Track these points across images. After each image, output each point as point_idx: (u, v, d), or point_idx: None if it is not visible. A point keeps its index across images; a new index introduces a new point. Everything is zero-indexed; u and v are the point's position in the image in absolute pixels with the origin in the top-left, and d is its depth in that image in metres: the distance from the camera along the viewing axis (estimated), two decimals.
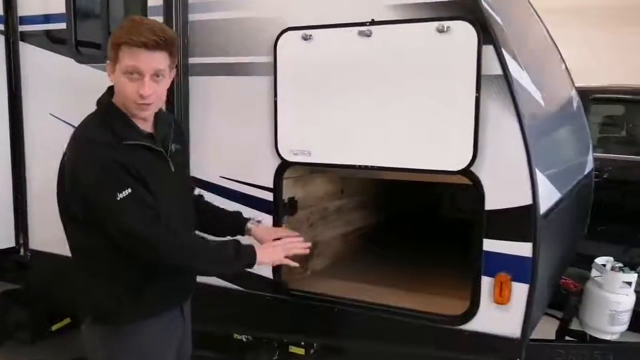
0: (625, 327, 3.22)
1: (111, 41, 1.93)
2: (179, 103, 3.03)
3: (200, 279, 2.29)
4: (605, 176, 5.19)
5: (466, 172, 2.46)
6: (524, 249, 2.40)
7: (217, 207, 2.45)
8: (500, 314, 2.46)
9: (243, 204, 2.97)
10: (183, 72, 3.03)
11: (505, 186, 2.42)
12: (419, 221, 5.01)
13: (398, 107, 2.57)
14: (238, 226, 2.39)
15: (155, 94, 1.93)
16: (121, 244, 1.90)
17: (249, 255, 2.05)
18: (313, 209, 3.51)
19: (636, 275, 3.15)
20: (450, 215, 5.65)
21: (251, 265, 2.07)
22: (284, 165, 2.87)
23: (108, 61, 1.96)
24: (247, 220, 2.42)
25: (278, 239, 2.27)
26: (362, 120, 2.64)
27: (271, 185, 2.91)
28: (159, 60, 1.91)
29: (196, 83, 3.05)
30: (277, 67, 2.79)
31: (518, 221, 2.40)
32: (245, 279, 2.98)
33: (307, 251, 2.30)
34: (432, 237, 4.67)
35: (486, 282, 2.48)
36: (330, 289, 3.11)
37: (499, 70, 2.38)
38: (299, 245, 2.23)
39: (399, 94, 2.56)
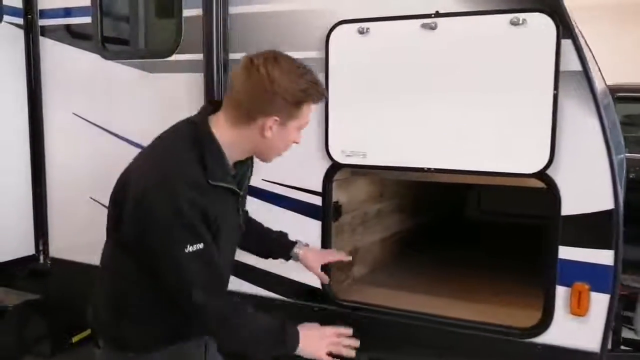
0: None
1: (292, 97, 1.72)
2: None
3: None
4: (631, 176, 5.04)
5: (542, 175, 2.30)
6: (604, 256, 2.24)
7: (263, 228, 2.32)
8: (577, 326, 2.30)
9: (288, 209, 2.80)
10: (224, 69, 2.85)
11: (584, 190, 2.26)
12: (445, 224, 4.87)
13: (467, 105, 2.40)
14: (285, 251, 2.30)
15: None
16: (172, 295, 1.73)
17: (293, 346, 1.83)
18: (355, 214, 3.34)
19: None
20: (474, 217, 5.53)
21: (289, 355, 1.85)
22: (335, 168, 2.70)
23: (275, 117, 1.74)
24: (294, 244, 2.30)
25: (326, 265, 2.24)
26: (425, 120, 2.47)
27: (320, 189, 2.73)
28: None
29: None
30: (329, 63, 2.61)
31: (598, 227, 2.24)
32: (289, 288, 2.81)
33: (355, 347, 1.97)
34: (462, 241, 4.53)
35: (562, 292, 2.32)
36: (380, 299, 2.94)
37: (578, 66, 2.22)
38: (346, 343, 1.93)
39: (468, 92, 2.39)
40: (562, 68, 2.22)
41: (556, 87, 2.23)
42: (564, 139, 2.26)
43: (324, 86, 1.93)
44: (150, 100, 3.18)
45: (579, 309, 2.27)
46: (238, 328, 1.75)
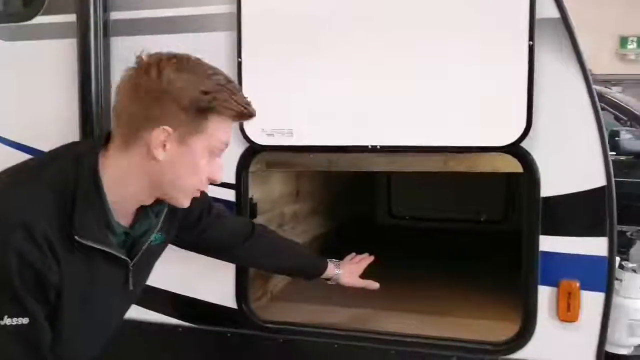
0: None
1: (189, 101, 1.29)
2: (97, 74, 2.15)
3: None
4: None
5: (515, 148, 1.84)
6: (596, 245, 1.81)
7: (282, 241, 2.15)
8: (566, 335, 1.85)
9: None
10: (103, 32, 2.16)
11: (568, 165, 1.83)
12: (356, 230, 4.40)
13: (419, 64, 1.90)
14: (317, 272, 2.16)
15: None
16: None
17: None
18: (270, 215, 2.74)
19: None
20: (385, 222, 5.14)
21: None
22: (252, 151, 2.09)
23: (163, 126, 1.29)
24: (326, 262, 2.17)
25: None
26: (368, 85, 1.94)
27: (233, 180, 2.11)
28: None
29: (121, 45, 2.19)
30: (242, 19, 2.02)
31: (588, 210, 1.82)
32: (196, 311, 2.16)
33: None
34: (379, 246, 4.08)
35: (546, 293, 1.86)
36: (307, 316, 2.36)
37: (555, 12, 1.80)
38: None
39: (420, 47, 1.90)
40: (537, 15, 1.79)
41: (531, 37, 1.79)
42: (542, 102, 1.82)
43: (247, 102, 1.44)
44: (6, 76, 2.41)
45: (568, 313, 1.83)
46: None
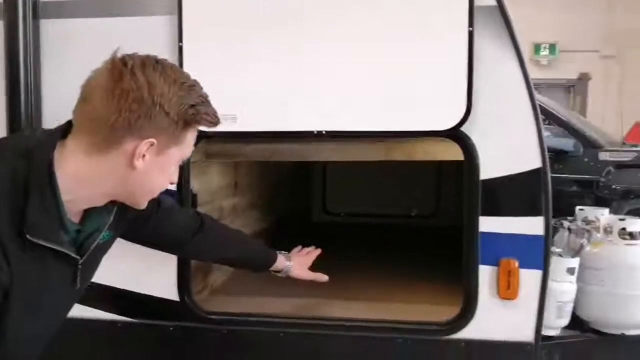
0: (568, 320, 2.92)
1: (178, 114, 1.26)
2: (26, 58, 2.03)
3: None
4: None
5: (455, 133, 1.90)
6: (533, 225, 1.89)
7: (236, 235, 2.12)
8: (507, 313, 1.92)
9: None
10: (32, 14, 2.04)
11: (506, 147, 1.91)
12: (293, 225, 4.39)
13: (362, 50, 1.92)
14: (266, 263, 2.10)
15: None
16: None
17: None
18: (209, 207, 2.67)
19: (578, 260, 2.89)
20: (320, 219, 5.16)
21: None
22: (196, 138, 2.03)
23: (151, 140, 1.24)
24: (275, 255, 2.11)
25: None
26: (313, 69, 1.94)
27: None
28: None
29: (52, 29, 2.08)
30: (183, 2, 1.98)
31: (525, 191, 1.90)
32: (135, 305, 2.08)
33: None
34: (319, 242, 4.09)
35: (486, 272, 1.92)
36: (250, 308, 2.32)
37: (492, 0, 1.87)
38: None
39: (363, 32, 1.92)
40: (476, 2, 1.85)
41: (471, 23, 1.85)
42: (480, 87, 1.88)
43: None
44: None
45: (508, 290, 1.90)
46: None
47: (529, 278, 1.90)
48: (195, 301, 2.10)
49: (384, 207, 4.73)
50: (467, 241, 1.94)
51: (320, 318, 2.08)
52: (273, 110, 1.98)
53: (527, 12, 11.15)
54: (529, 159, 1.87)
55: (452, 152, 2.01)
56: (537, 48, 11.63)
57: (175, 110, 1.25)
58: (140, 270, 2.07)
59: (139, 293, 2.10)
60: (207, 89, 1.94)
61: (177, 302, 2.05)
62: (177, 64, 1.93)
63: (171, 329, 2.07)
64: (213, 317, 2.08)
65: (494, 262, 1.91)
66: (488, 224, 1.91)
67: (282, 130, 1.99)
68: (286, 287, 2.74)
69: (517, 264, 1.89)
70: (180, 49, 1.98)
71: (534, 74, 11.42)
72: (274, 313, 2.14)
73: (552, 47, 11.44)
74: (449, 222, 4.60)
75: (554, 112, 5.36)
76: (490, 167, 1.90)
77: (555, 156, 4.97)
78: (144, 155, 1.25)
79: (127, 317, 2.09)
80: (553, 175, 5.17)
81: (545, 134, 5.26)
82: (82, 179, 1.25)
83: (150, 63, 1.25)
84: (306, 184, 5.10)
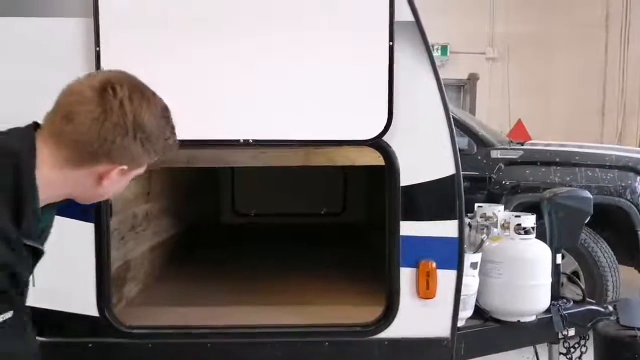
0: (472, 311, 3.11)
1: (153, 148, 1.32)
2: None
3: None
4: None
5: (377, 142, 1.98)
6: (449, 228, 2.02)
7: None
8: (427, 312, 2.03)
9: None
10: None
11: (423, 156, 2.01)
12: (204, 230, 4.34)
13: (289, 60, 1.95)
14: None
15: None
16: None
17: None
18: (123, 216, 2.59)
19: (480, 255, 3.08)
20: (230, 220, 5.13)
21: None
22: None
23: (123, 166, 1.30)
24: None
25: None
26: (239, 78, 1.94)
27: None
28: None
29: None
30: (99, 4, 1.90)
31: (441, 196, 2.01)
32: (54, 323, 1.97)
33: None
34: (231, 245, 4.08)
35: (407, 274, 2.02)
36: (171, 319, 2.29)
37: (410, 16, 1.97)
38: None
39: (287, 45, 1.94)
40: (396, 18, 1.94)
41: (392, 38, 1.93)
42: (400, 99, 1.98)
43: None
44: None
45: (427, 290, 2.01)
46: None
47: (446, 278, 2.02)
48: (117, 315, 2.03)
49: (294, 206, 4.79)
50: (389, 245, 2.03)
51: (247, 326, 2.08)
52: (197, 118, 1.94)
53: (420, 15, 11.66)
54: (444, 166, 1.99)
55: (370, 159, 2.09)
56: None
57: (153, 146, 1.32)
58: (55, 285, 1.96)
59: (54, 310, 1.99)
60: None
61: (96, 317, 1.97)
62: (93, 69, 1.87)
63: (90, 345, 1.99)
64: (136, 331, 2.02)
65: (414, 264, 2.01)
66: (408, 228, 2.01)
67: (208, 139, 1.97)
68: (202, 295, 2.73)
69: (434, 265, 2.01)
70: (97, 53, 1.90)
71: None
72: (199, 324, 2.11)
73: (443, 49, 12.01)
74: (356, 219, 4.78)
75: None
76: (409, 175, 2.00)
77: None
78: (111, 176, 1.32)
79: (44, 337, 1.97)
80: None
81: None
82: (52, 184, 1.31)
83: (137, 93, 1.32)
84: (215, 186, 5.05)
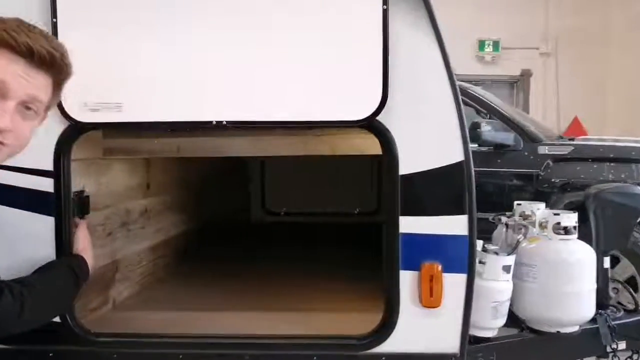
0: (505, 319, 2.78)
1: None
2: None
3: None
4: None
5: (371, 123, 1.69)
6: (456, 224, 1.70)
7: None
8: (430, 323, 1.72)
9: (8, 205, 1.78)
10: None
11: (426, 139, 1.71)
12: (229, 229, 4.13)
13: (264, 33, 1.69)
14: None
15: (15, 132, 1.32)
16: None
17: (86, 273, 1.74)
18: (110, 212, 2.39)
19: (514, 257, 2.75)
20: (259, 219, 4.93)
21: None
22: (74, 131, 1.76)
23: None
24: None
25: None
26: (212, 51, 1.70)
27: (51, 167, 1.77)
28: (40, 86, 1.33)
29: None
30: None
31: (447, 186, 1.71)
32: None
33: None
34: (252, 245, 3.86)
35: (407, 278, 1.72)
36: (157, 325, 2.07)
37: None
38: None
39: (265, 13, 1.69)
40: None
41: (385, 1, 1.64)
42: (398, 73, 1.68)
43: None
44: None
45: (431, 298, 1.70)
46: (40, 302, 1.50)
47: (453, 283, 1.71)
48: (80, 322, 1.82)
49: (326, 205, 4.54)
50: (387, 244, 1.74)
51: (223, 336, 1.83)
52: (165, 98, 1.73)
53: (471, 10, 11.26)
54: (450, 152, 1.69)
55: (377, 146, 1.80)
56: (481, 44, 11.73)
57: None
58: None
59: None
60: (87, 72, 1.69)
61: (57, 323, 1.76)
62: None
63: (51, 354, 1.78)
64: (101, 339, 1.81)
65: (416, 267, 1.71)
66: (409, 225, 1.71)
67: (176, 121, 1.74)
68: (200, 299, 2.51)
69: (440, 267, 1.70)
70: (55, 25, 1.70)
71: (479, 70, 11.56)
72: (169, 332, 1.88)
73: (495, 44, 11.56)
74: None
75: (494, 105, 5.28)
76: (410, 161, 1.70)
77: (496, 150, 4.90)
78: None
79: (4, 343, 1.78)
80: (494, 170, 5.12)
81: (486, 128, 5.19)
82: None
83: None
84: (245, 182, 4.87)
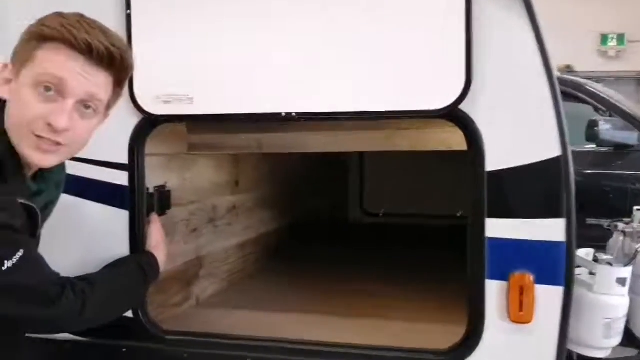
0: (620, 338, 2.45)
1: (29, 30, 1.27)
2: None
3: None
4: None
5: (453, 112, 1.52)
6: (553, 229, 1.48)
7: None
8: (519, 340, 1.52)
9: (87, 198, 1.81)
10: None
11: (517, 131, 1.51)
12: (322, 226, 4.05)
13: (335, 19, 1.58)
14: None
15: (73, 132, 1.29)
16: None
17: (156, 273, 1.70)
18: (195, 208, 2.39)
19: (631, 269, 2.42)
20: (358, 220, 4.81)
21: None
22: (148, 124, 1.75)
23: (10, 61, 1.28)
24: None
25: None
26: (283, 44, 1.62)
27: (125, 161, 1.76)
28: (100, 84, 1.30)
29: None
30: None
31: (541, 185, 1.49)
32: None
33: None
34: (345, 246, 3.75)
35: (494, 289, 1.53)
36: (237, 325, 2.02)
37: None
38: None
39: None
40: None
41: None
42: (483, 56, 1.49)
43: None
44: None
45: (521, 313, 1.49)
46: (104, 300, 1.47)
47: (548, 296, 1.49)
48: (152, 319, 1.80)
49: (427, 207, 4.33)
50: (472, 250, 1.55)
51: (293, 342, 1.73)
52: (235, 90, 1.66)
53: (592, 2, 10.49)
54: (545, 146, 1.47)
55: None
56: (604, 39, 10.90)
57: (28, 28, 1.26)
58: None
59: None
60: (158, 64, 1.67)
61: (130, 318, 1.76)
62: (124, 33, 1.66)
63: (124, 350, 1.78)
64: (171, 337, 1.77)
65: (504, 277, 1.51)
66: (496, 228, 1.52)
67: (245, 113, 1.66)
68: (285, 298, 2.44)
69: (532, 278, 1.49)
70: (128, 17, 1.69)
71: (601, 66, 10.71)
72: (240, 334, 1.81)
73: (620, 38, 10.67)
74: None
75: (614, 102, 4.80)
76: (498, 156, 1.51)
77: (616, 150, 4.45)
78: (7, 81, 1.27)
79: (80, 335, 1.80)
80: (614, 172, 4.64)
81: (605, 126, 4.71)
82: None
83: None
84: (344, 180, 4.78)
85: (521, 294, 1.49)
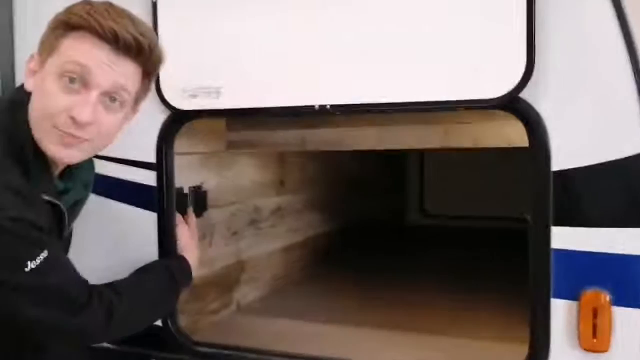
0: None
1: (55, 18, 1.22)
2: None
3: None
4: None
5: (512, 101, 1.30)
6: (634, 240, 1.24)
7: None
8: None
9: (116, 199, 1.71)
10: None
11: (590, 123, 1.27)
12: (377, 229, 3.85)
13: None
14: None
15: (97, 126, 1.23)
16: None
17: (188, 277, 1.58)
18: (236, 209, 2.26)
19: None
20: (416, 222, 4.60)
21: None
22: (177, 120, 1.63)
23: (36, 53, 1.25)
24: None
25: None
26: (318, 30, 1.45)
27: (153, 159, 1.65)
28: (127, 74, 1.24)
29: None
30: None
31: (621, 187, 1.25)
32: None
33: None
34: (402, 251, 3.55)
35: (561, 309, 1.30)
36: (277, 336, 1.89)
37: None
38: None
39: None
40: None
41: None
42: (548, 36, 1.27)
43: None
44: None
45: (595, 340, 1.26)
46: (132, 309, 1.36)
47: (628, 320, 1.25)
48: (182, 328, 1.68)
49: (490, 209, 4.05)
50: (534, 262, 1.33)
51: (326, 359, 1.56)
52: (265, 81, 1.51)
53: None
54: (626, 141, 1.23)
55: None
56: None
57: (55, 16, 1.22)
58: None
59: None
60: (184, 55, 1.55)
61: (159, 327, 1.64)
62: (150, 22, 1.55)
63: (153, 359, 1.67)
64: (199, 348, 1.65)
65: (574, 295, 1.28)
66: (564, 238, 1.29)
67: (275, 106, 1.50)
68: (331, 307, 2.28)
69: (608, 298, 1.25)
70: (154, 5, 1.58)
71: None
72: (274, 350, 1.65)
73: None
74: None
75: None
76: (567, 153, 1.28)
77: None
78: (33, 71, 1.24)
79: (111, 343, 1.71)
80: None
81: None
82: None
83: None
84: (401, 180, 4.58)
85: (595, 316, 1.25)
